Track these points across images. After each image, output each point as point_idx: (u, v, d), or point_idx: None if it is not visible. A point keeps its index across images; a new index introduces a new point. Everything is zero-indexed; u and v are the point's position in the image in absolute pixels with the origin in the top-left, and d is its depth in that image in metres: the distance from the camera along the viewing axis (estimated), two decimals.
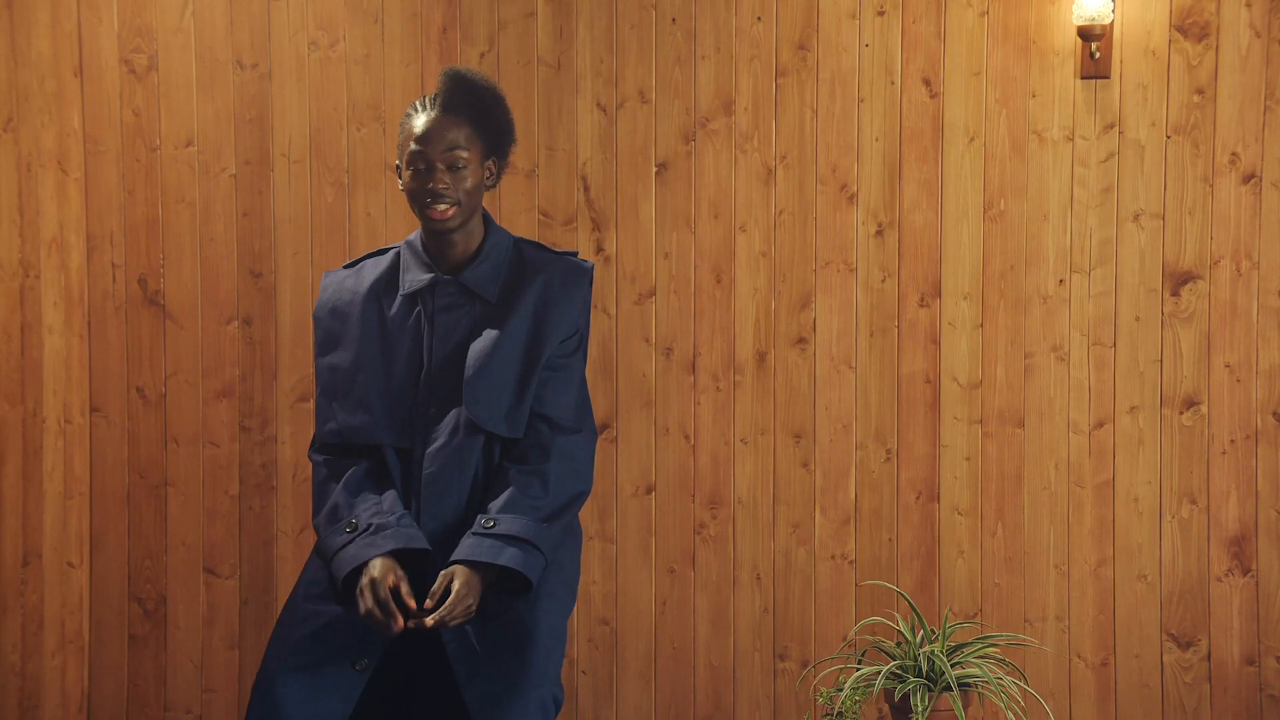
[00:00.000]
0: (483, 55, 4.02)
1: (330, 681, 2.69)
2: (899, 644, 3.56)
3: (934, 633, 3.60)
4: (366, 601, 2.65)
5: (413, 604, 2.67)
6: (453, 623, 2.66)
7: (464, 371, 2.81)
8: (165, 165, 4.10)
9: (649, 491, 4.01)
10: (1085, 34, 3.79)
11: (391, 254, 2.96)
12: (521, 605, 2.76)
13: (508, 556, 2.69)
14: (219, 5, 4.08)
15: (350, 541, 2.73)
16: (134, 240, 4.11)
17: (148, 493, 4.13)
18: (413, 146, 2.81)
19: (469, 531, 2.74)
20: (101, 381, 4.13)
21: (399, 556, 2.74)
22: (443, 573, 2.70)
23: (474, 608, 2.69)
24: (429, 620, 2.64)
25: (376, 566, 2.68)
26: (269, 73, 4.07)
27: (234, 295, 4.10)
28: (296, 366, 4.07)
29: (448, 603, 2.65)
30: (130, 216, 4.12)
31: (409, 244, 2.93)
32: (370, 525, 2.73)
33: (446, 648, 2.71)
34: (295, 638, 2.72)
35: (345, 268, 2.98)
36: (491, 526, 2.72)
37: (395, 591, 2.67)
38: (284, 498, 4.08)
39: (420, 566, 2.76)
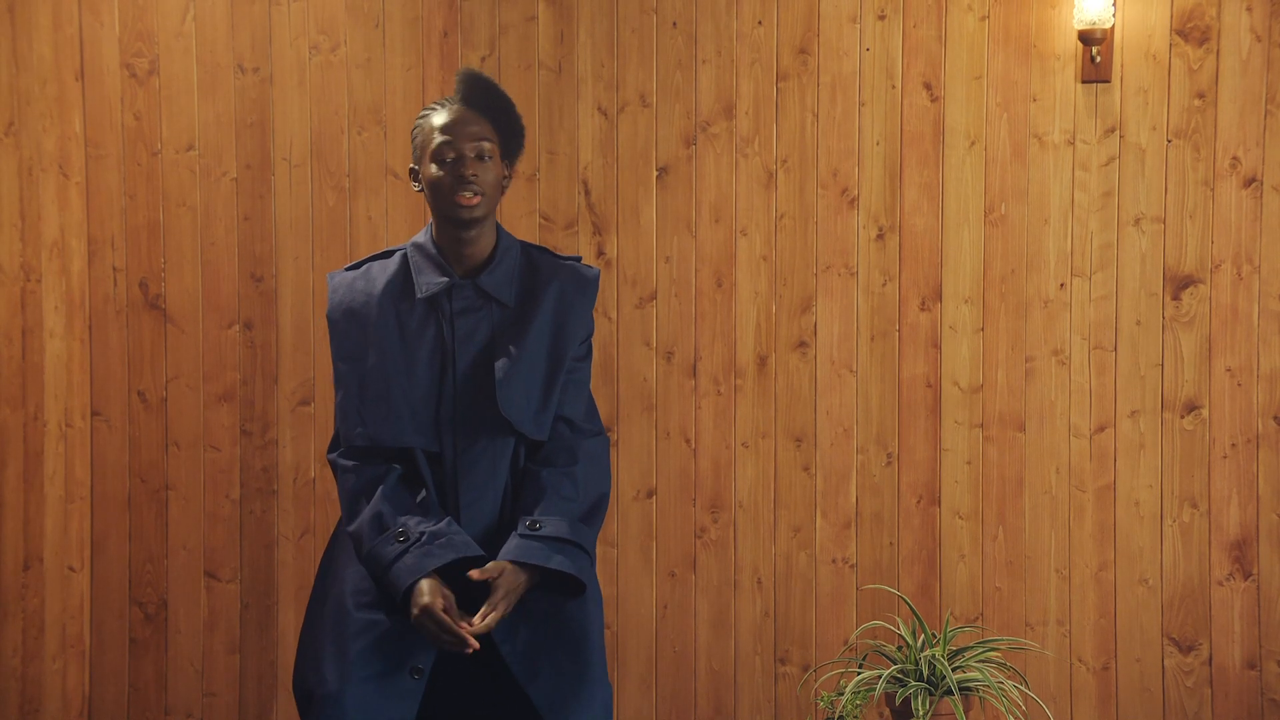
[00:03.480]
0: (483, 59, 4.02)
1: (393, 690, 2.72)
2: (900, 648, 3.56)
3: (935, 636, 3.60)
4: (429, 630, 2.69)
5: (463, 625, 2.71)
6: (499, 616, 2.70)
7: (492, 375, 2.82)
8: (166, 169, 4.10)
9: (650, 495, 4.01)
10: (1086, 38, 3.79)
11: (398, 256, 2.95)
12: (572, 606, 2.80)
13: (558, 561, 2.74)
14: (220, 9, 4.08)
15: (405, 551, 2.74)
16: (135, 244, 4.12)
17: (149, 497, 4.13)
18: (439, 138, 2.83)
19: (515, 533, 2.77)
20: (102, 385, 4.13)
21: (450, 566, 2.75)
22: (493, 563, 2.72)
23: (514, 603, 2.72)
24: (479, 625, 2.68)
25: (424, 592, 2.70)
26: (270, 77, 4.08)
27: (235, 299, 4.10)
28: (297, 370, 4.08)
29: (494, 600, 2.69)
30: (131, 220, 4.12)
31: (417, 246, 2.93)
32: (423, 534, 2.75)
33: (499, 648, 2.74)
34: (356, 649, 2.73)
35: (349, 269, 2.98)
36: (538, 529, 2.76)
37: (448, 614, 2.71)
38: (285, 502, 4.08)
39: (467, 573, 2.77)
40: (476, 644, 2.68)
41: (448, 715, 2.85)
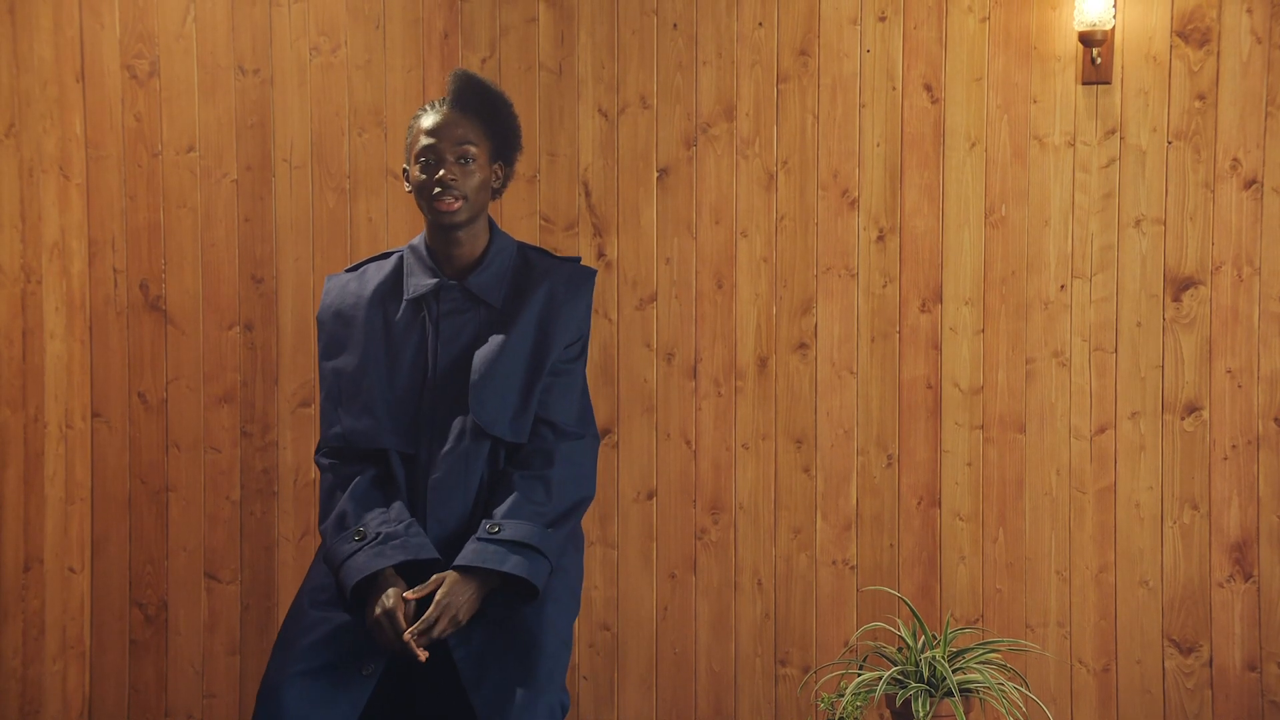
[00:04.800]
0: (484, 61, 4.02)
1: (338, 687, 2.70)
2: (900, 649, 3.56)
3: (935, 638, 3.59)
4: (387, 634, 2.68)
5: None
6: (437, 633, 2.67)
7: (469, 376, 2.82)
8: (167, 170, 4.11)
9: (650, 497, 4.01)
10: (1086, 40, 3.79)
11: (395, 258, 2.96)
12: (527, 611, 2.76)
13: (512, 563, 2.70)
14: (221, 11, 4.08)
15: (358, 550, 2.73)
16: (135, 245, 4.12)
17: (149, 498, 4.13)
18: (423, 141, 2.84)
19: (474, 537, 2.75)
20: (103, 387, 4.13)
21: (408, 566, 2.75)
22: (434, 576, 2.71)
23: (461, 616, 2.69)
24: (410, 638, 2.65)
25: (390, 597, 2.69)
26: (270, 78, 4.08)
27: (235, 300, 4.10)
28: (298, 372, 4.08)
29: (427, 613, 2.66)
30: (132, 222, 4.12)
31: (412, 248, 2.94)
32: (379, 534, 2.74)
33: (453, 653, 2.72)
34: (303, 644, 2.72)
35: (348, 271, 2.99)
36: (496, 532, 2.73)
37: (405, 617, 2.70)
38: (285, 503, 4.08)
39: (428, 575, 2.76)
40: (424, 655, 2.66)
41: (402, 717, 2.84)
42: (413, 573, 2.76)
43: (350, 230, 4.07)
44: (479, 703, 2.67)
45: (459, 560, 2.72)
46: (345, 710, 2.68)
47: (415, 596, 2.68)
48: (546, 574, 2.76)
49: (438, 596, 2.67)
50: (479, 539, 2.73)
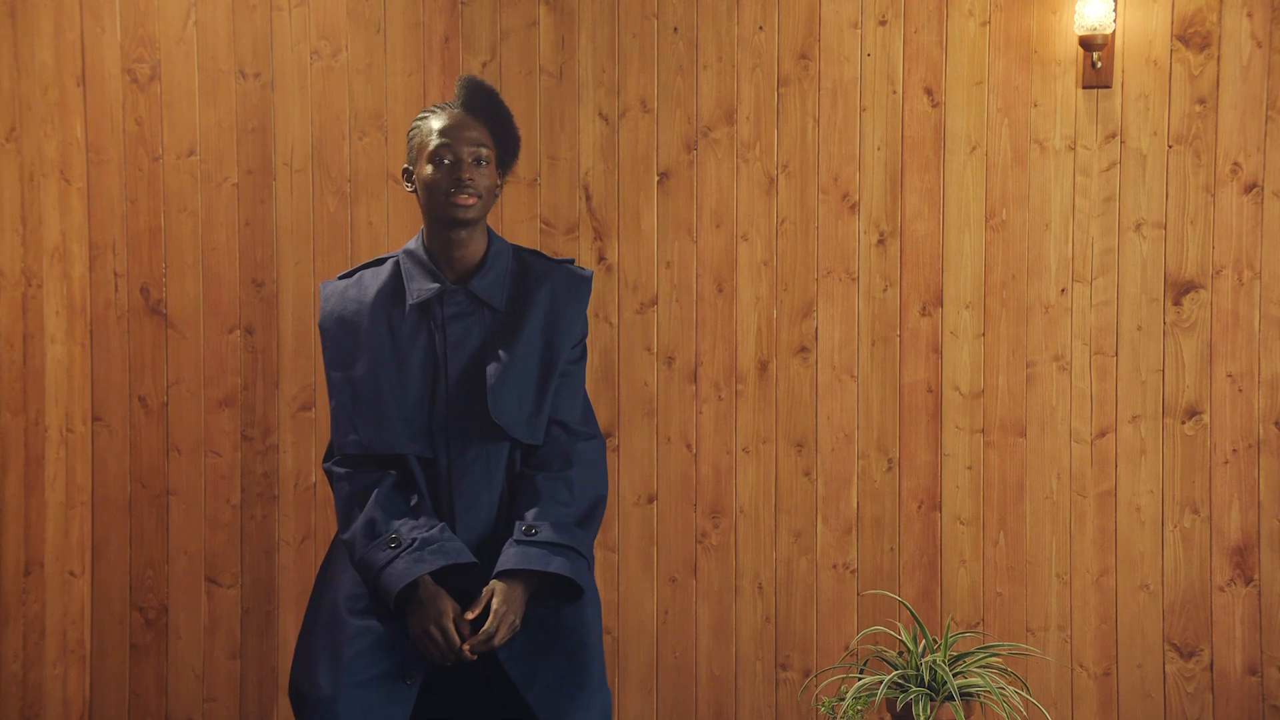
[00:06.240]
0: (485, 65, 4.03)
1: (386, 696, 2.73)
2: (901, 653, 3.56)
3: (936, 642, 3.59)
4: (439, 650, 2.71)
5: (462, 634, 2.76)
6: (498, 641, 2.71)
7: (484, 380, 2.83)
8: (167, 174, 4.11)
9: (651, 501, 4.01)
10: (1087, 43, 3.79)
11: (390, 263, 2.96)
12: (567, 612, 2.80)
13: (557, 564, 2.74)
14: (221, 15, 4.08)
15: (396, 557, 2.75)
16: (136, 249, 4.12)
17: (149, 502, 4.12)
18: (437, 140, 2.84)
19: (511, 540, 2.77)
20: (103, 390, 4.13)
21: (443, 572, 2.76)
22: (485, 589, 2.74)
23: (517, 622, 2.73)
24: (469, 650, 2.71)
25: (442, 612, 2.73)
26: (271, 82, 4.08)
27: (236, 304, 4.10)
28: (298, 376, 4.08)
29: (486, 625, 2.71)
30: (132, 226, 4.12)
31: (408, 252, 2.94)
32: (414, 540, 2.76)
33: (497, 654, 2.74)
34: (349, 654, 2.74)
35: (342, 278, 2.99)
36: (534, 534, 2.76)
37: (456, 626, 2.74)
38: (286, 507, 4.08)
39: (464, 579, 2.77)
40: (474, 656, 2.71)
41: (442, 718, 2.86)
42: (443, 576, 2.78)
43: (351, 234, 4.07)
44: (534, 700, 2.71)
45: (502, 565, 2.74)
46: (397, 717, 2.72)
47: (474, 615, 2.72)
48: (585, 572, 2.79)
49: (494, 606, 2.71)
50: (518, 542, 2.76)
